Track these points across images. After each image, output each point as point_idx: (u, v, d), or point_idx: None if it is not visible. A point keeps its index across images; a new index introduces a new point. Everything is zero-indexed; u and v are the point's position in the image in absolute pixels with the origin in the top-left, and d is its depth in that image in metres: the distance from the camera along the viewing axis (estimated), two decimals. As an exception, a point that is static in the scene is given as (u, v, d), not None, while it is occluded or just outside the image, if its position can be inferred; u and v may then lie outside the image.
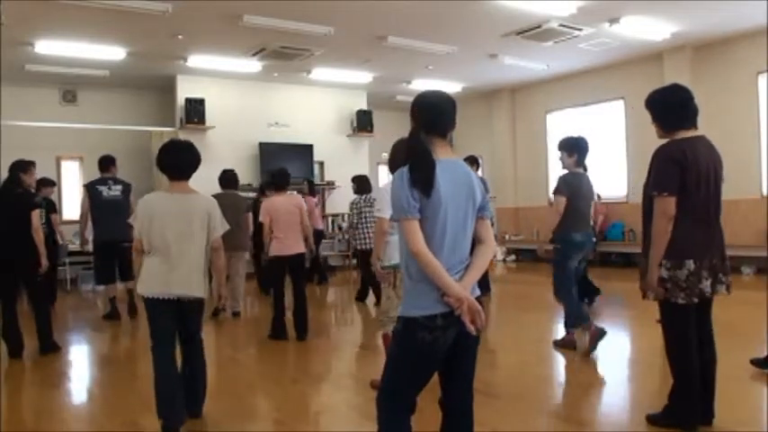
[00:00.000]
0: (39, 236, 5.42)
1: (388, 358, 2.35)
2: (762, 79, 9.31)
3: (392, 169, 4.43)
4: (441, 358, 2.23)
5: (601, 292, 7.08)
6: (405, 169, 2.20)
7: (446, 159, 2.24)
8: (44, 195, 7.77)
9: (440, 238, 2.18)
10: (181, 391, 3.52)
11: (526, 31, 8.72)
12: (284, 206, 5.90)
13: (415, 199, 2.15)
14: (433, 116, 2.29)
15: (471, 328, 2.15)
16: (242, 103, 11.50)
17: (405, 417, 2.28)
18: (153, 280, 3.48)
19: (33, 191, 5.76)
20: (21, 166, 5.73)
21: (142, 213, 3.50)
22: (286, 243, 5.86)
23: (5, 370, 4.98)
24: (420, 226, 2.16)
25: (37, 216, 5.46)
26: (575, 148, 5.16)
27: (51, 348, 5.56)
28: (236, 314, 7.26)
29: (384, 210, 4.16)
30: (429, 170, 2.16)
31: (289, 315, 5.97)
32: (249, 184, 10.67)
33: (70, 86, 11.13)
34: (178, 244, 3.48)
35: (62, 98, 11.20)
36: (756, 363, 4.30)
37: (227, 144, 11.18)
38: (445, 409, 2.37)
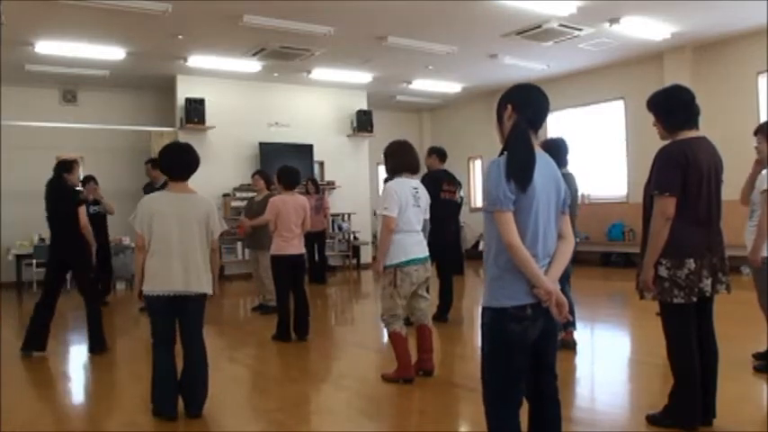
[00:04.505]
0: (87, 232, 5.45)
1: (483, 357, 2.33)
2: (762, 79, 9.32)
3: (388, 170, 4.46)
4: (530, 349, 2.25)
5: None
6: (501, 161, 2.20)
7: (537, 152, 2.25)
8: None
9: (533, 230, 2.20)
10: (176, 387, 3.68)
11: (526, 31, 8.72)
12: (292, 205, 5.88)
13: (512, 191, 2.15)
14: (540, 111, 2.31)
15: (560, 318, 2.20)
16: (242, 103, 11.50)
17: (514, 412, 2.29)
18: (156, 278, 3.57)
19: (79, 189, 5.70)
20: (65, 166, 5.65)
21: (143, 212, 3.61)
22: (291, 242, 5.85)
23: (5, 370, 4.98)
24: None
25: (83, 212, 5.48)
26: (552, 149, 5.13)
27: (101, 347, 5.51)
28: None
29: (391, 208, 4.16)
30: (532, 166, 2.18)
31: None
32: (249, 185, 10.67)
33: (70, 86, 11.13)
34: (180, 242, 3.59)
35: (62, 98, 11.21)
36: (758, 356, 4.34)
37: (227, 144, 11.18)
38: (532, 397, 2.39)
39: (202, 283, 3.66)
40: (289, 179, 6.00)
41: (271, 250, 5.92)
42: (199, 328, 3.78)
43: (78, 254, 5.49)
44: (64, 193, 5.53)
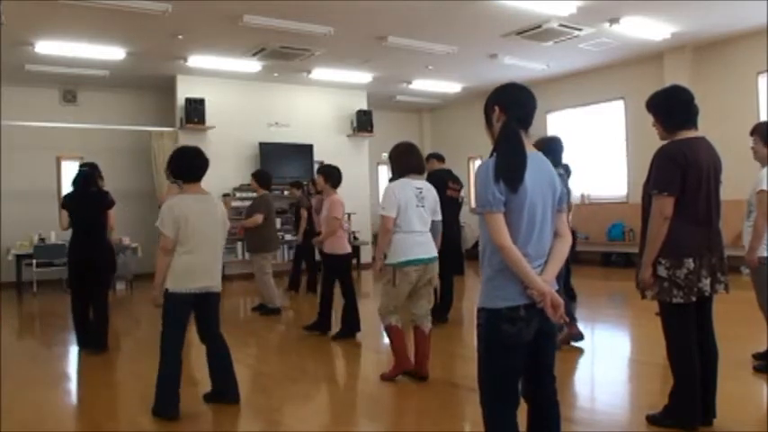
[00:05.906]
0: (115, 233, 5.55)
1: (479, 358, 2.32)
2: (762, 79, 9.31)
3: (394, 172, 4.46)
4: (525, 350, 2.24)
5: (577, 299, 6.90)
6: (491, 162, 2.18)
7: (530, 152, 2.23)
8: None
9: (525, 231, 2.18)
10: (179, 388, 3.72)
11: (526, 31, 8.72)
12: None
13: (501, 192, 2.13)
14: (528, 110, 2.29)
15: (556, 318, 2.17)
16: (242, 103, 11.50)
17: (511, 412, 2.28)
18: (186, 276, 3.70)
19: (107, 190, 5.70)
20: (96, 167, 5.63)
21: (174, 216, 3.69)
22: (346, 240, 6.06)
23: (5, 369, 4.98)
24: (504, 218, 2.15)
25: (114, 215, 5.51)
26: (548, 148, 5.09)
27: (103, 347, 5.53)
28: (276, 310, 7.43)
29: (389, 209, 4.18)
30: (522, 167, 2.15)
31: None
32: (248, 185, 10.67)
33: (70, 86, 11.12)
34: (208, 241, 3.77)
35: (62, 98, 11.20)
36: (758, 356, 4.35)
37: (227, 144, 11.17)
38: (532, 401, 2.39)
39: (219, 280, 3.89)
40: (338, 179, 6.01)
41: (338, 249, 5.88)
42: (218, 320, 3.98)
43: (106, 253, 5.54)
44: (96, 194, 5.52)
